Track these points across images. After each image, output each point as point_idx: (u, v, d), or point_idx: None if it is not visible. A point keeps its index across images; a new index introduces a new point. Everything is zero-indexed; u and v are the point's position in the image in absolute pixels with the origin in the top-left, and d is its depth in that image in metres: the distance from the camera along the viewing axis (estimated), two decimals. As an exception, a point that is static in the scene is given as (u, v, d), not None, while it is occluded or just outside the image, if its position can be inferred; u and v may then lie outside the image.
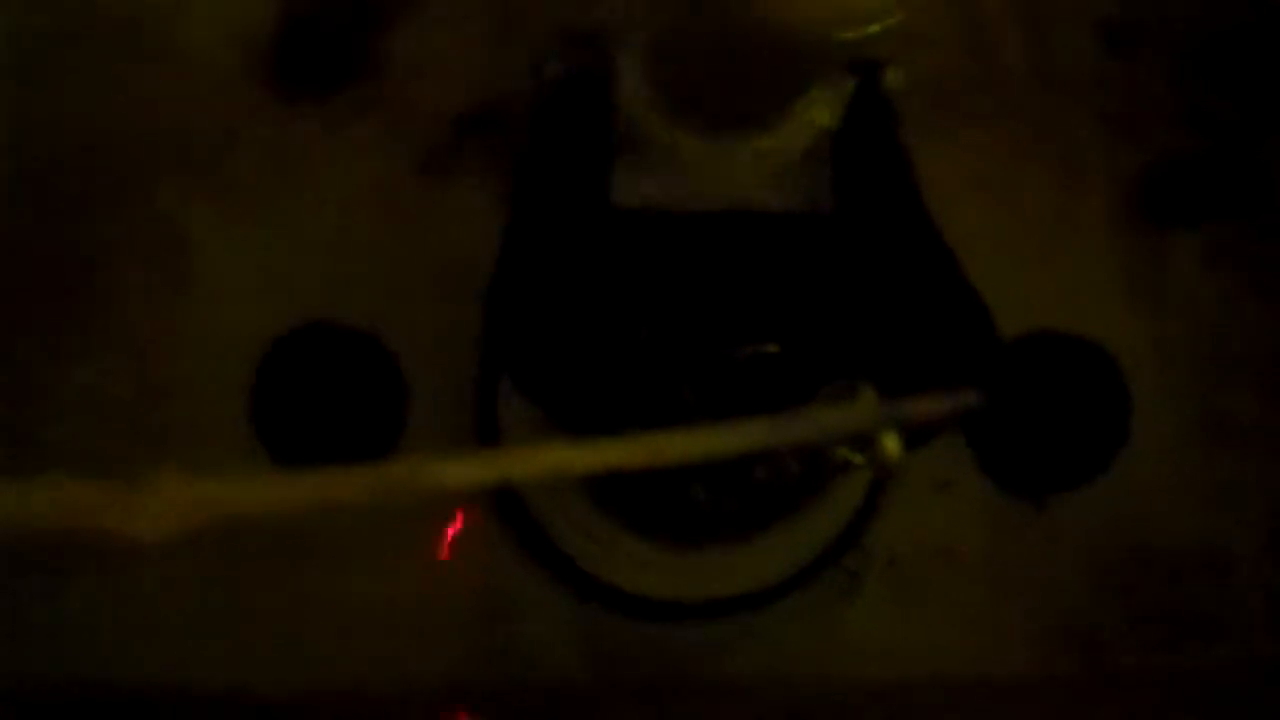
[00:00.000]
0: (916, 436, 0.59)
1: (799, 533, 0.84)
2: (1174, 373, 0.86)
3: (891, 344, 0.71)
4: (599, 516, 0.82)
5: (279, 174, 0.86)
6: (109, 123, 0.86)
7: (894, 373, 0.65)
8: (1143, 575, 0.85)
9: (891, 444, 0.53)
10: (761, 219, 0.74)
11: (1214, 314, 0.86)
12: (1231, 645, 0.84)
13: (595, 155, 0.77)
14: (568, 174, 0.77)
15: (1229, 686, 0.83)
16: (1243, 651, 0.84)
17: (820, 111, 0.71)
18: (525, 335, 0.73)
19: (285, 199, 0.86)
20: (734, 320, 0.74)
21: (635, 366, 0.72)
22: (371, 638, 0.81)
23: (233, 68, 0.87)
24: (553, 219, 0.79)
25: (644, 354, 0.71)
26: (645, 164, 0.75)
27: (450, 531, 0.81)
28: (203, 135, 0.86)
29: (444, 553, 0.81)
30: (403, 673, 0.81)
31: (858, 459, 0.54)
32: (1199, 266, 0.87)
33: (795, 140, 0.72)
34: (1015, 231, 0.86)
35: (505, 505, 0.80)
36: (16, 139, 0.85)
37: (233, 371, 0.83)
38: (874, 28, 0.57)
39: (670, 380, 0.71)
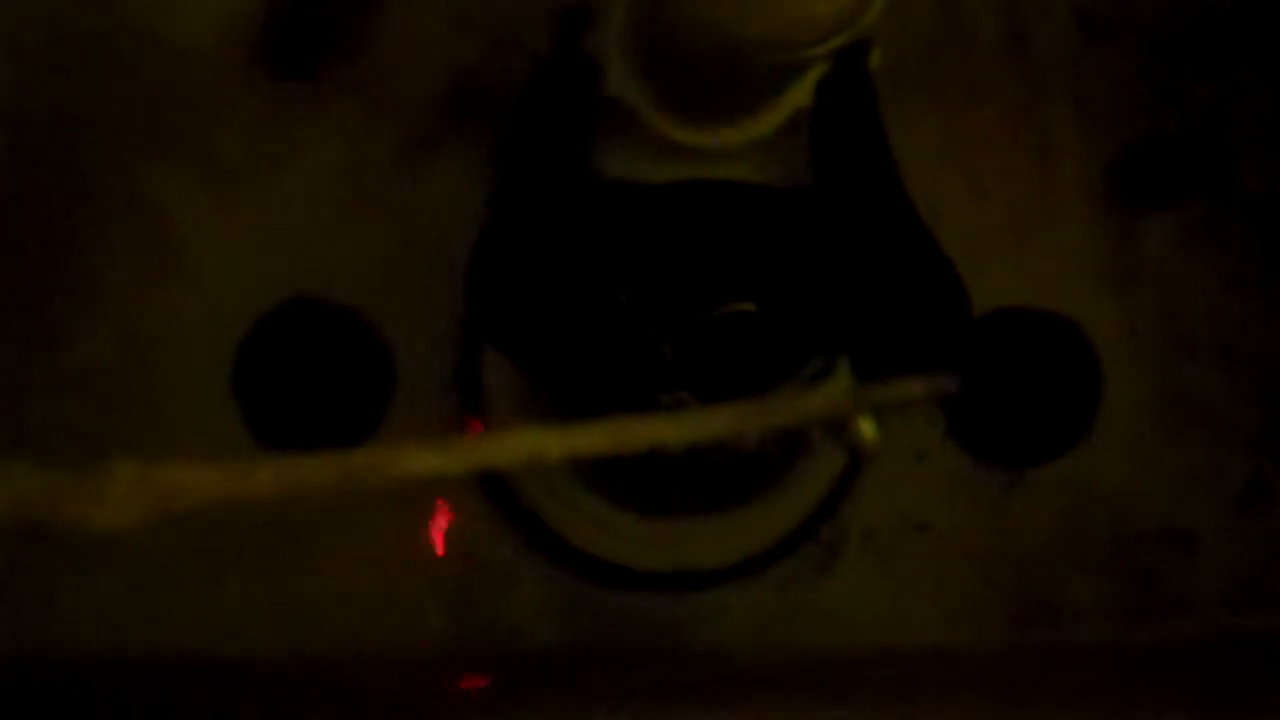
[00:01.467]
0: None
1: (777, 506, 0.83)
2: (1144, 351, 0.85)
3: (867, 317, 0.69)
4: (581, 487, 0.81)
5: (264, 153, 0.84)
6: (96, 102, 0.84)
7: (869, 345, 0.64)
8: (1111, 549, 0.84)
9: (868, 428, 0.52)
10: (739, 191, 0.73)
11: (1183, 293, 0.85)
12: (1194, 618, 0.84)
13: (579, 127, 0.76)
14: (551, 145, 0.76)
15: (1190, 657, 0.82)
16: (1204, 623, 0.84)
17: (799, 90, 0.69)
18: (507, 300, 0.72)
19: (271, 177, 0.84)
20: (711, 287, 0.73)
21: (615, 328, 0.71)
22: (360, 608, 0.80)
23: (219, 49, 0.85)
24: (535, 189, 0.78)
25: (623, 316, 0.70)
26: (628, 138, 0.74)
27: (440, 522, 0.80)
28: (189, 115, 0.84)
29: (437, 542, 0.80)
30: (394, 641, 0.80)
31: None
32: (1169, 247, 0.86)
33: (773, 118, 0.70)
34: (989, 212, 0.85)
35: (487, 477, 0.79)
36: (3, 118, 0.83)
37: (219, 347, 0.81)
38: (841, 38, 0.55)
39: (649, 340, 0.70)
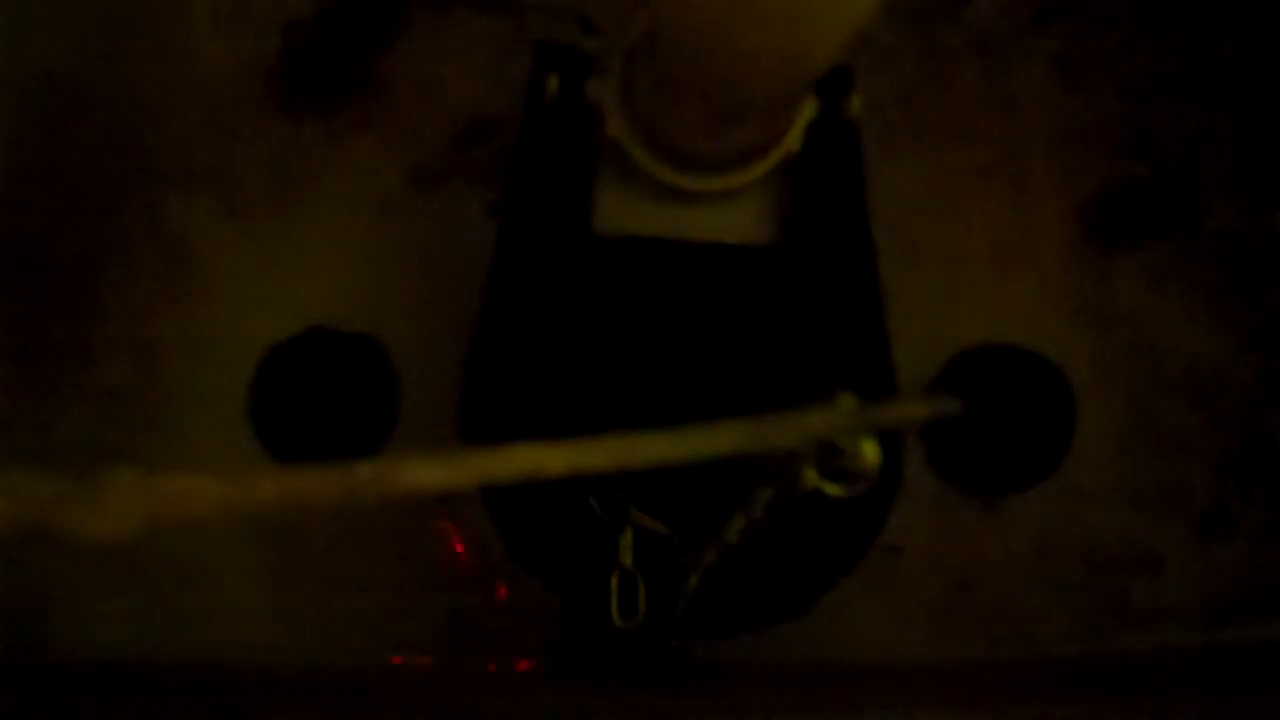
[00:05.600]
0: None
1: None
2: (1115, 384, 0.83)
3: (795, 381, 0.67)
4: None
5: (282, 185, 0.82)
6: (121, 138, 0.82)
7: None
8: (1083, 571, 0.82)
9: (870, 451, 0.49)
10: (713, 251, 0.71)
11: (1153, 329, 0.84)
12: (1160, 635, 0.82)
13: (581, 175, 0.74)
14: (551, 193, 0.74)
15: (1157, 671, 0.80)
16: (1170, 640, 0.82)
17: (790, 136, 0.68)
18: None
19: (288, 208, 0.82)
20: (685, 352, 0.71)
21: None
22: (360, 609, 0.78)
23: (238, 85, 0.83)
24: (535, 240, 0.76)
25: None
26: (626, 182, 0.72)
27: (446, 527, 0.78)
28: (210, 149, 0.83)
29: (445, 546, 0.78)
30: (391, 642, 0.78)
31: (832, 489, 0.51)
32: (1141, 284, 0.84)
33: (766, 162, 0.69)
34: (967, 251, 0.83)
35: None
36: (30, 144, 0.81)
37: (236, 368, 0.79)
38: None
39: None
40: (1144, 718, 0.72)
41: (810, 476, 0.53)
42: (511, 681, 0.77)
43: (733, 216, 0.69)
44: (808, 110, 0.67)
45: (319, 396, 0.80)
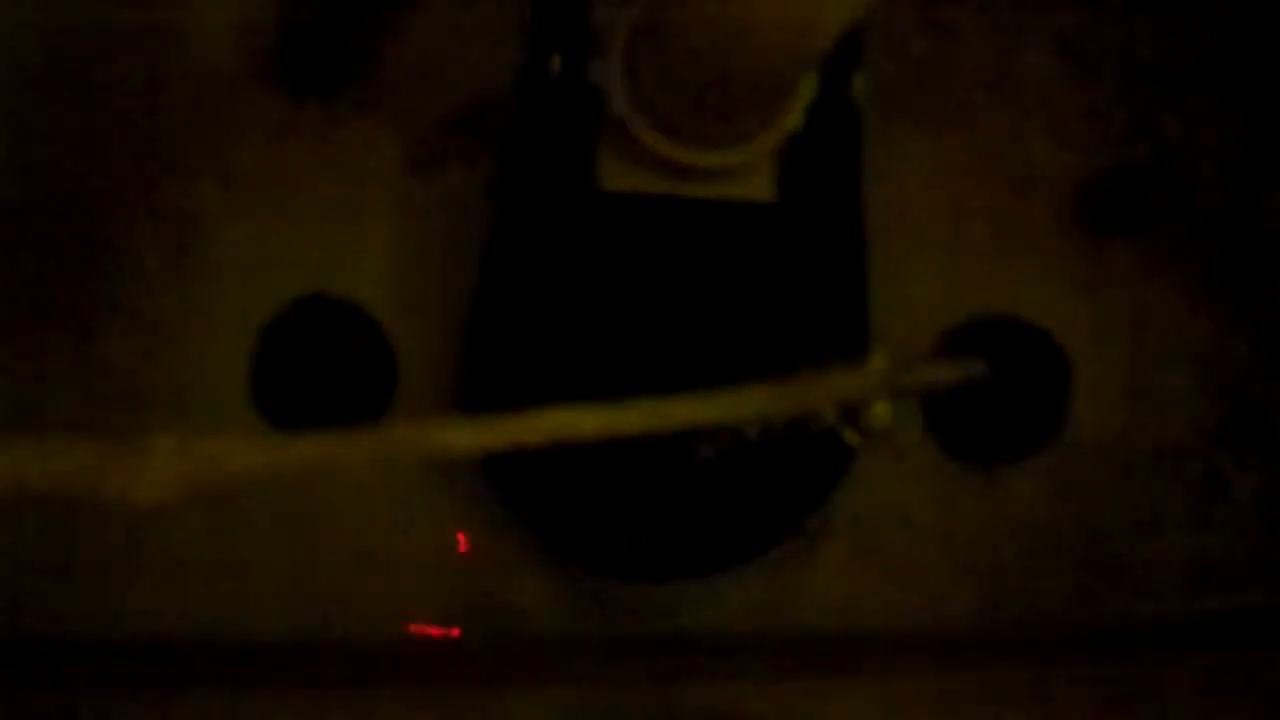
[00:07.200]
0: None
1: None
2: (1111, 357, 0.83)
3: (775, 343, 0.68)
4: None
5: (281, 165, 0.82)
6: (120, 117, 0.81)
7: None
8: (1079, 538, 0.83)
9: (882, 410, 0.50)
10: (710, 207, 0.72)
11: (1149, 305, 0.84)
12: (1157, 599, 0.82)
13: (580, 147, 0.74)
14: (552, 154, 0.75)
15: (1153, 635, 0.81)
16: (1166, 607, 0.82)
17: (792, 115, 0.68)
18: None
19: (287, 187, 0.81)
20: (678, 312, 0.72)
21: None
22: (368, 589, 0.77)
23: (238, 68, 0.82)
24: (534, 199, 0.76)
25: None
26: (628, 154, 0.72)
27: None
28: (209, 130, 0.82)
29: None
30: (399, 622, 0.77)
31: (851, 437, 0.51)
32: (1138, 263, 0.84)
33: (768, 140, 0.69)
34: (968, 233, 0.83)
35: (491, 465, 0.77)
36: (34, 131, 0.81)
37: (237, 341, 0.79)
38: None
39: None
40: (1140, 681, 0.73)
41: (830, 417, 0.53)
42: (523, 657, 0.77)
43: (732, 177, 0.70)
44: (810, 89, 0.67)
45: (318, 368, 0.79)
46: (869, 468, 0.79)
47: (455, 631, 0.76)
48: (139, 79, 0.81)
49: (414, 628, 0.75)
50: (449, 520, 0.78)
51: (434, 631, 0.75)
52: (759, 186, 0.71)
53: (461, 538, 0.78)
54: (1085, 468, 0.82)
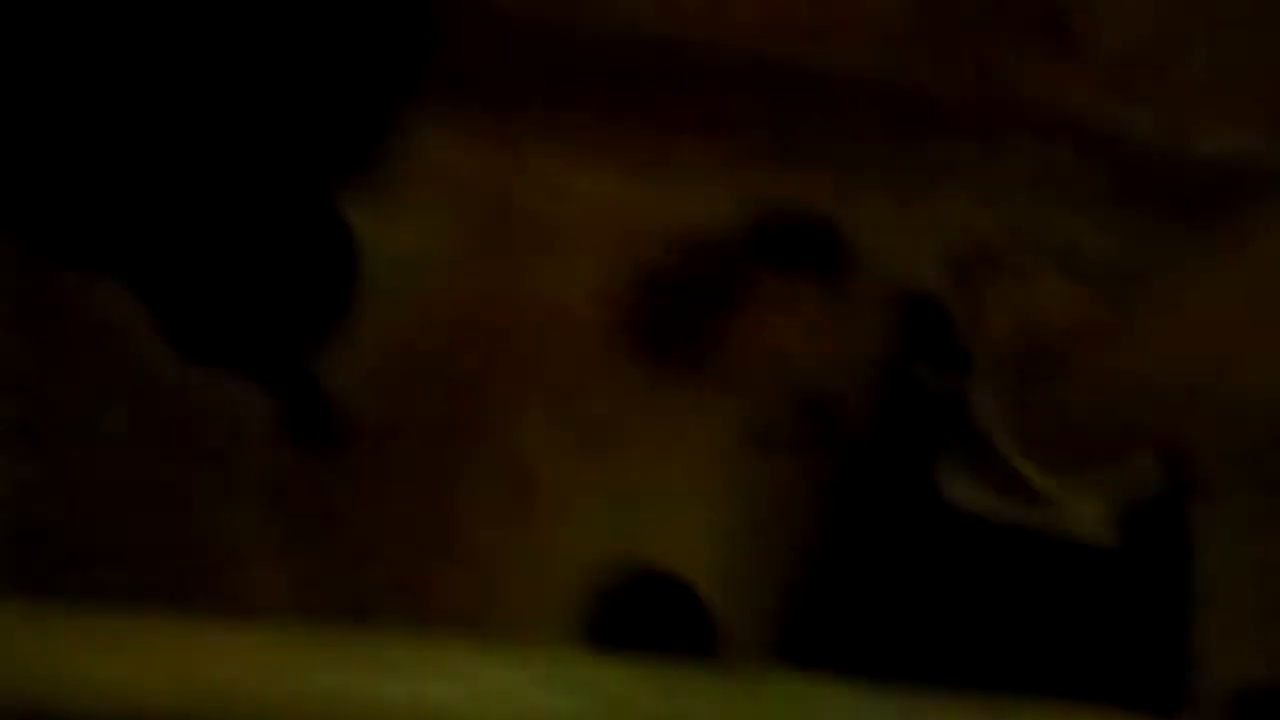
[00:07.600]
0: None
1: None
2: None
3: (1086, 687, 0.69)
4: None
5: (624, 420, 0.86)
6: (477, 358, 0.86)
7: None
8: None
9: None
10: (1051, 544, 0.73)
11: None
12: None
13: (929, 453, 0.77)
14: (899, 464, 0.77)
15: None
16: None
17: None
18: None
19: (627, 444, 0.85)
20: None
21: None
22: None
23: (598, 322, 0.87)
24: (878, 506, 0.79)
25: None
26: (981, 474, 0.74)
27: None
28: (561, 377, 0.86)
29: None
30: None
31: None
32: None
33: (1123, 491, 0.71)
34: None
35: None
36: (400, 366, 0.85)
37: (568, 588, 0.81)
38: None
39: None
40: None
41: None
42: None
43: (1073, 512, 0.72)
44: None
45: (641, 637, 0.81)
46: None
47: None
48: (506, 326, 0.86)
49: None
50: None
51: None
52: (1099, 526, 0.73)
53: None
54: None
